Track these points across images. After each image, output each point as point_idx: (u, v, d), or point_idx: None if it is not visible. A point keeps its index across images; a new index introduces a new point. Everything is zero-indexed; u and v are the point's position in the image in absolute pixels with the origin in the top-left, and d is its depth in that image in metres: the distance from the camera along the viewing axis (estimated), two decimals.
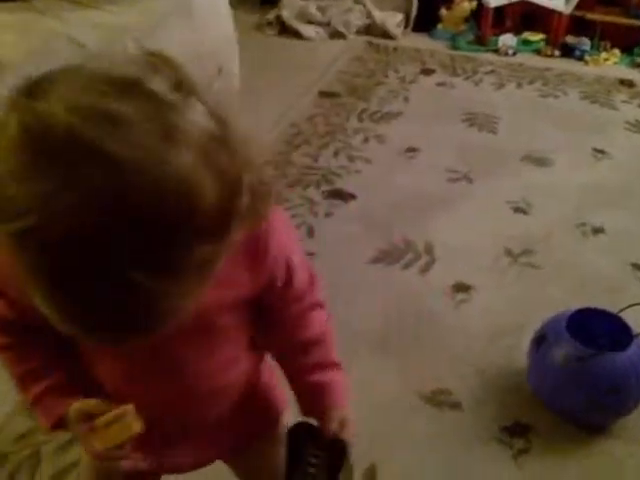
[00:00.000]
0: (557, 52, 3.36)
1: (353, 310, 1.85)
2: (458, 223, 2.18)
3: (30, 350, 0.82)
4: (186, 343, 0.78)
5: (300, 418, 0.95)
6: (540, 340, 1.52)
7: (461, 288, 1.94)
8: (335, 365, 0.91)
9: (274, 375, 0.98)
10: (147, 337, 0.58)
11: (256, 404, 0.96)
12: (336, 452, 1.00)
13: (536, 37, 3.41)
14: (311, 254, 2.08)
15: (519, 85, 3.09)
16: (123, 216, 0.50)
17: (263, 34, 3.52)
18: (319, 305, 0.90)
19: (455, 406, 1.60)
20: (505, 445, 1.51)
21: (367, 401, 1.51)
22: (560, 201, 2.29)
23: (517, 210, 2.25)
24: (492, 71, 3.20)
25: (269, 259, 0.78)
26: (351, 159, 2.50)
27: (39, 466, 1.48)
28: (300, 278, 0.85)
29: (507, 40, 3.38)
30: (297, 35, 3.47)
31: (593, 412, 1.49)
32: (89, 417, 0.77)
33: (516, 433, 1.53)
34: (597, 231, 2.16)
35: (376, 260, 2.05)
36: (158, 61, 0.56)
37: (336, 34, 3.48)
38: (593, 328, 1.52)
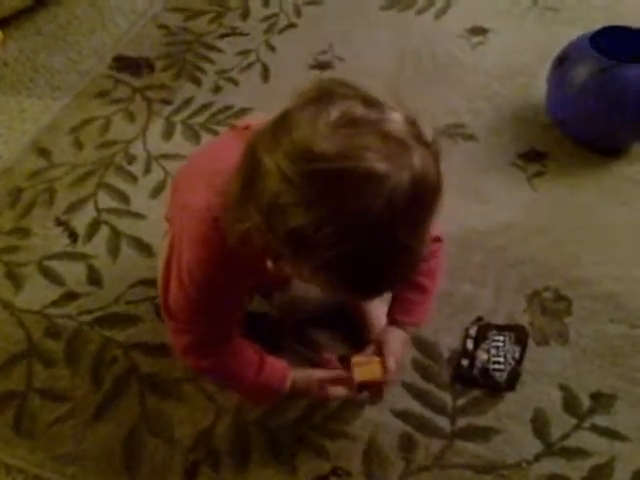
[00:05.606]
0: None
1: (366, 54, 1.78)
2: None
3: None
4: None
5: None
6: (561, 59, 1.44)
7: (478, 31, 1.84)
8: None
9: None
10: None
11: None
12: (520, 332, 1.18)
13: None
14: (317, 3, 1.98)
15: None
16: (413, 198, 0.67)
17: None
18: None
19: (470, 137, 1.56)
20: (520, 169, 1.49)
21: None
22: None
23: None
24: None
25: None
26: None
27: (54, 200, 1.49)
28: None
29: None
30: None
31: (613, 133, 1.45)
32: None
33: (532, 159, 1.51)
34: None
35: (388, 7, 1.94)
36: (335, 87, 0.71)
37: None
38: (617, 48, 1.43)
